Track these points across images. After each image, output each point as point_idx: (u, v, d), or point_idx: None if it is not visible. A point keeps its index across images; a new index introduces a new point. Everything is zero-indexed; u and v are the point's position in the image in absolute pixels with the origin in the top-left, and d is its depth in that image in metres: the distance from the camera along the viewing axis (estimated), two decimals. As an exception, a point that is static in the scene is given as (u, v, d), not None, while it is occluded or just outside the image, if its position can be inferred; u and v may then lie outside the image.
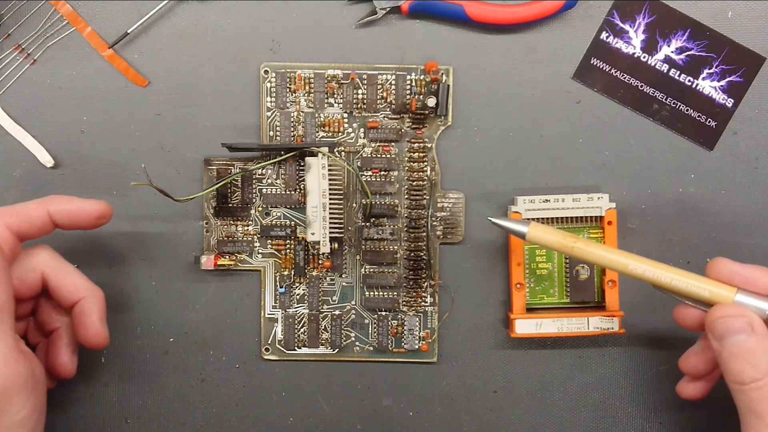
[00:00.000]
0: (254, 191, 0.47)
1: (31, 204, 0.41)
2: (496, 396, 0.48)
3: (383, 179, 0.47)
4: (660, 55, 0.47)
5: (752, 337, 0.38)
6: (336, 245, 0.47)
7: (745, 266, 0.40)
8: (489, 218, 0.43)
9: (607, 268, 0.42)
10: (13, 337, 0.37)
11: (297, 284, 0.48)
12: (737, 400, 0.38)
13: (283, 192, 0.47)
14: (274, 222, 0.47)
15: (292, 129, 0.47)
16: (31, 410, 0.37)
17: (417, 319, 0.48)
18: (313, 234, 0.45)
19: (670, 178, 0.48)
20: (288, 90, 0.47)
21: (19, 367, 0.37)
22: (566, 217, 0.46)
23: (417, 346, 0.48)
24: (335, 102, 0.47)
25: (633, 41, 0.47)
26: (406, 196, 0.47)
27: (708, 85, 0.47)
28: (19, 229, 0.40)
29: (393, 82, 0.47)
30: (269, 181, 0.47)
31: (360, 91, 0.47)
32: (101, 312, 0.42)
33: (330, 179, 0.45)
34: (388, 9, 0.46)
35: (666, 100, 0.47)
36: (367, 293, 0.48)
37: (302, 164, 0.46)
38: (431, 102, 0.46)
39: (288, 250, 0.47)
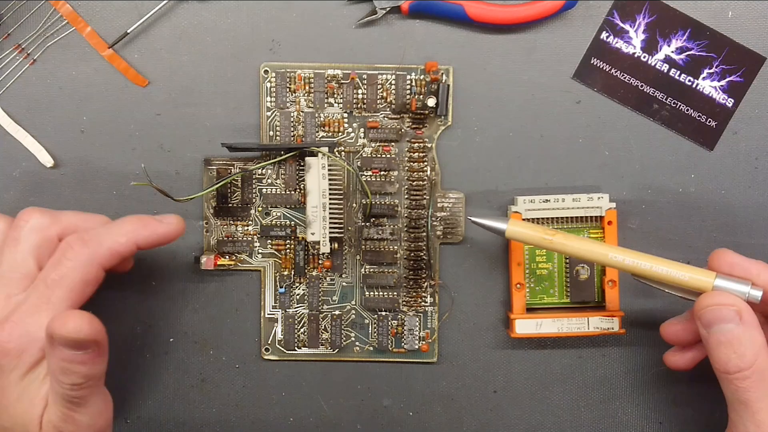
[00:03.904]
0: (254, 191, 0.47)
1: (120, 240, 0.41)
2: (496, 396, 0.48)
3: (383, 179, 0.47)
4: (660, 55, 0.47)
5: (740, 326, 0.38)
6: (336, 245, 0.47)
7: (747, 259, 0.40)
8: (468, 217, 0.44)
9: (587, 259, 0.42)
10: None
11: (297, 284, 0.48)
12: (724, 389, 0.39)
13: (283, 192, 0.47)
14: (274, 222, 0.47)
15: (292, 129, 0.47)
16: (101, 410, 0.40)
17: (417, 319, 0.48)
18: (313, 234, 0.45)
19: (670, 178, 0.48)
20: (288, 90, 0.47)
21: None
22: (566, 217, 0.46)
23: (417, 346, 0.48)
24: (335, 102, 0.47)
25: (633, 41, 0.47)
26: (406, 196, 0.47)
27: (708, 85, 0.47)
28: (111, 265, 0.41)
29: (393, 82, 0.47)
30: (269, 181, 0.47)
31: (360, 91, 0.47)
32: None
33: (330, 179, 0.45)
34: (388, 9, 0.46)
35: (666, 100, 0.47)
36: (367, 293, 0.48)
37: (302, 164, 0.46)
38: (431, 102, 0.46)
39: (288, 250, 0.47)
